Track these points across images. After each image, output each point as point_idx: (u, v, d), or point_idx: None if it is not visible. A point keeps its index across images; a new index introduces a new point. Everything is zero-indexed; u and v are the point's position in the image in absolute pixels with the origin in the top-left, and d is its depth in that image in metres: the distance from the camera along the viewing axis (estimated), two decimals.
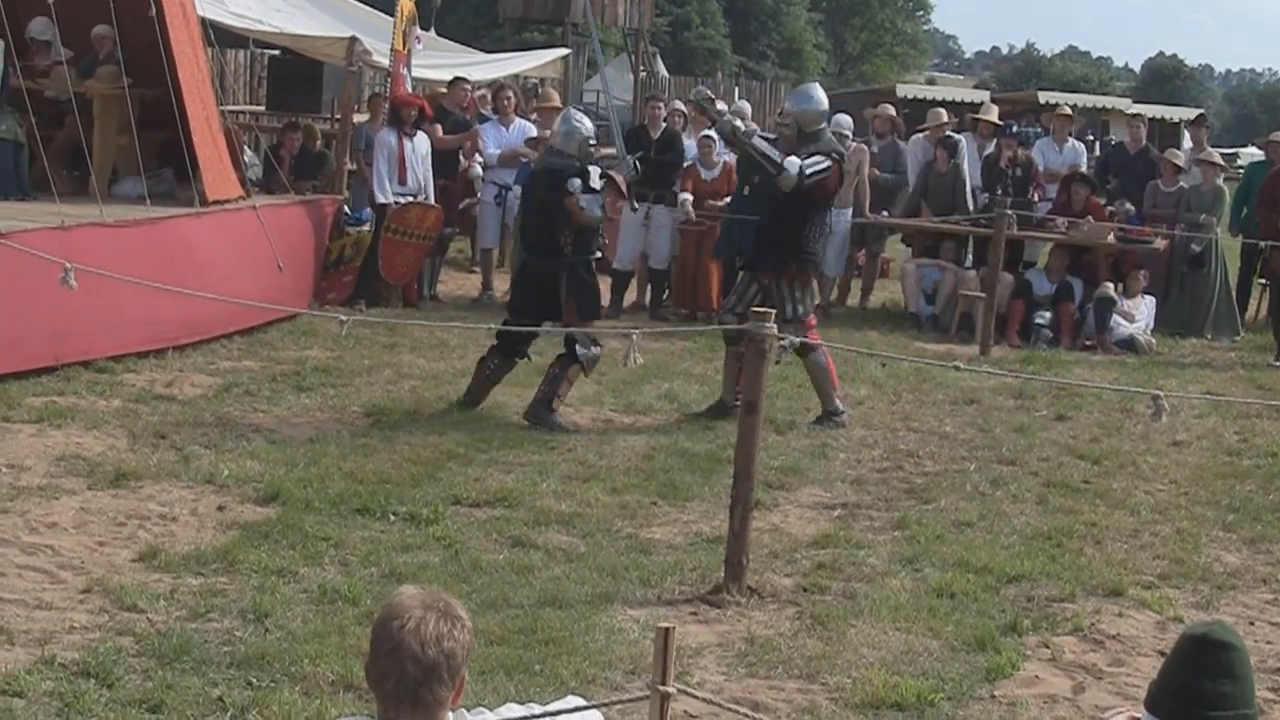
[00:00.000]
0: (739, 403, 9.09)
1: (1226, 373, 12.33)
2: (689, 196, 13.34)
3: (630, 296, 13.90)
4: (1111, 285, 13.44)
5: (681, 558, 6.66)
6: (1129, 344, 13.04)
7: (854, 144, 14.39)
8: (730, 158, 13.42)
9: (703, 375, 10.70)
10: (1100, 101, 35.36)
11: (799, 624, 5.96)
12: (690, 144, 13.75)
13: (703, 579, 6.38)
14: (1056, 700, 5.40)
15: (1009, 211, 12.73)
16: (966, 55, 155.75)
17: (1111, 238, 13.54)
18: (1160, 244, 13.69)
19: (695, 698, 4.25)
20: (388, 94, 14.14)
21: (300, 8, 14.55)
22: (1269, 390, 11.49)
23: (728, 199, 12.94)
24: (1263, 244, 14.04)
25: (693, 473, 8.11)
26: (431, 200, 12.95)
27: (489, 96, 15.58)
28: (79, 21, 11.29)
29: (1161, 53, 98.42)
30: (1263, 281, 15.12)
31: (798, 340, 8.84)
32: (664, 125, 13.65)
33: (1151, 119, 24.19)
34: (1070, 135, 15.65)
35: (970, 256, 14.12)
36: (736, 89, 33.45)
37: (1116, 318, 13.22)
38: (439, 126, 13.44)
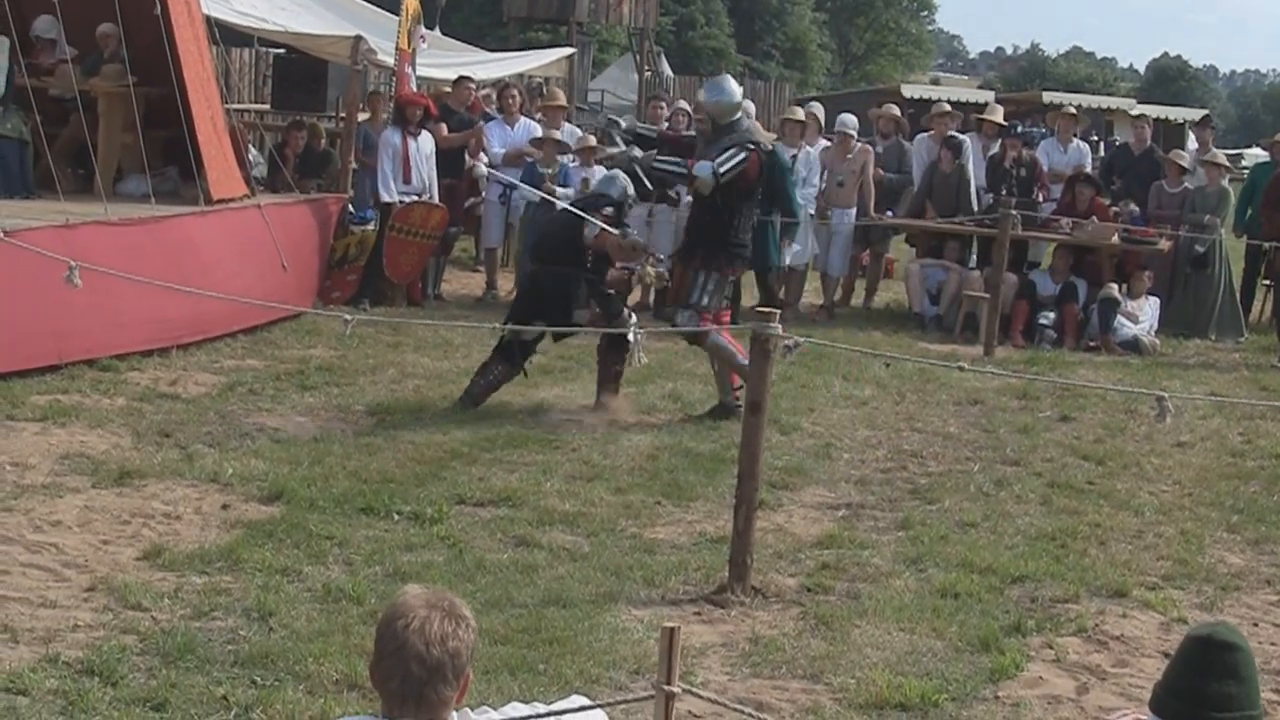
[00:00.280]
0: (739, 402, 9.22)
1: (1230, 374, 12.33)
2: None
3: (633, 297, 13.89)
4: (1116, 286, 13.44)
5: (686, 558, 6.66)
6: (1133, 345, 13.04)
7: (859, 144, 14.39)
8: None
9: (706, 375, 10.66)
10: (1105, 102, 35.30)
11: (803, 624, 5.96)
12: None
13: (707, 579, 6.38)
14: (1060, 701, 5.40)
15: (1013, 212, 12.73)
16: (971, 55, 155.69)
17: (1116, 238, 13.53)
18: (1164, 245, 13.68)
19: (699, 697, 4.25)
20: (393, 92, 14.14)
21: (305, 6, 14.55)
22: (1273, 391, 11.48)
23: None
24: (1267, 245, 14.04)
25: (697, 472, 8.11)
26: (436, 199, 12.96)
27: (494, 96, 15.59)
28: (84, 20, 11.32)
29: (1166, 53, 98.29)
30: (1267, 283, 15.13)
31: (801, 341, 8.83)
32: (666, 124, 13.64)
33: (1156, 120, 24.15)
34: (1075, 136, 15.64)
35: (975, 257, 14.11)
36: (741, 88, 33.42)
37: (1121, 319, 13.22)
38: (444, 126, 13.45)
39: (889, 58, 70.03)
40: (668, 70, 35.33)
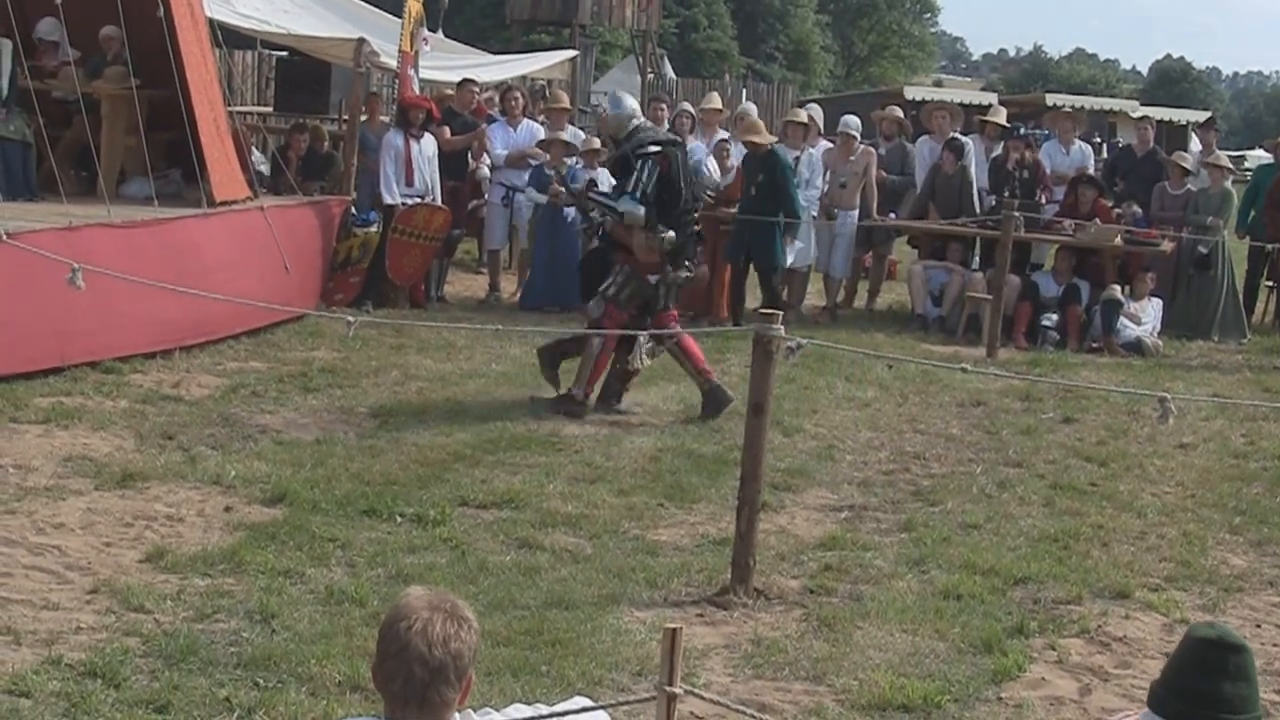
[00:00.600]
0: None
1: (1233, 375, 12.32)
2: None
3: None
4: (1118, 287, 13.44)
5: (688, 559, 6.66)
6: (1136, 346, 13.03)
7: (861, 146, 14.39)
8: (736, 161, 13.46)
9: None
10: (1107, 104, 35.37)
11: (805, 626, 5.96)
12: (697, 145, 13.68)
13: (709, 580, 6.38)
14: (1063, 702, 5.39)
15: (1016, 213, 12.73)
16: (974, 57, 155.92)
17: (1118, 240, 13.53)
18: (1167, 246, 13.68)
19: (702, 699, 4.25)
20: (394, 94, 14.15)
21: (308, 9, 14.56)
22: (1276, 393, 11.46)
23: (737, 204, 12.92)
24: (1270, 246, 14.04)
25: (699, 474, 8.11)
26: (439, 202, 12.96)
27: (497, 98, 15.60)
28: (87, 22, 11.33)
29: (1169, 55, 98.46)
30: (1270, 284, 15.13)
31: (803, 342, 8.83)
32: (668, 126, 13.63)
33: (1159, 121, 24.19)
34: (1077, 137, 15.64)
35: (977, 258, 14.12)
36: (744, 91, 33.45)
37: (1123, 320, 13.22)
38: (447, 128, 13.46)
39: (892, 60, 70.08)
40: (670, 72, 35.36)
